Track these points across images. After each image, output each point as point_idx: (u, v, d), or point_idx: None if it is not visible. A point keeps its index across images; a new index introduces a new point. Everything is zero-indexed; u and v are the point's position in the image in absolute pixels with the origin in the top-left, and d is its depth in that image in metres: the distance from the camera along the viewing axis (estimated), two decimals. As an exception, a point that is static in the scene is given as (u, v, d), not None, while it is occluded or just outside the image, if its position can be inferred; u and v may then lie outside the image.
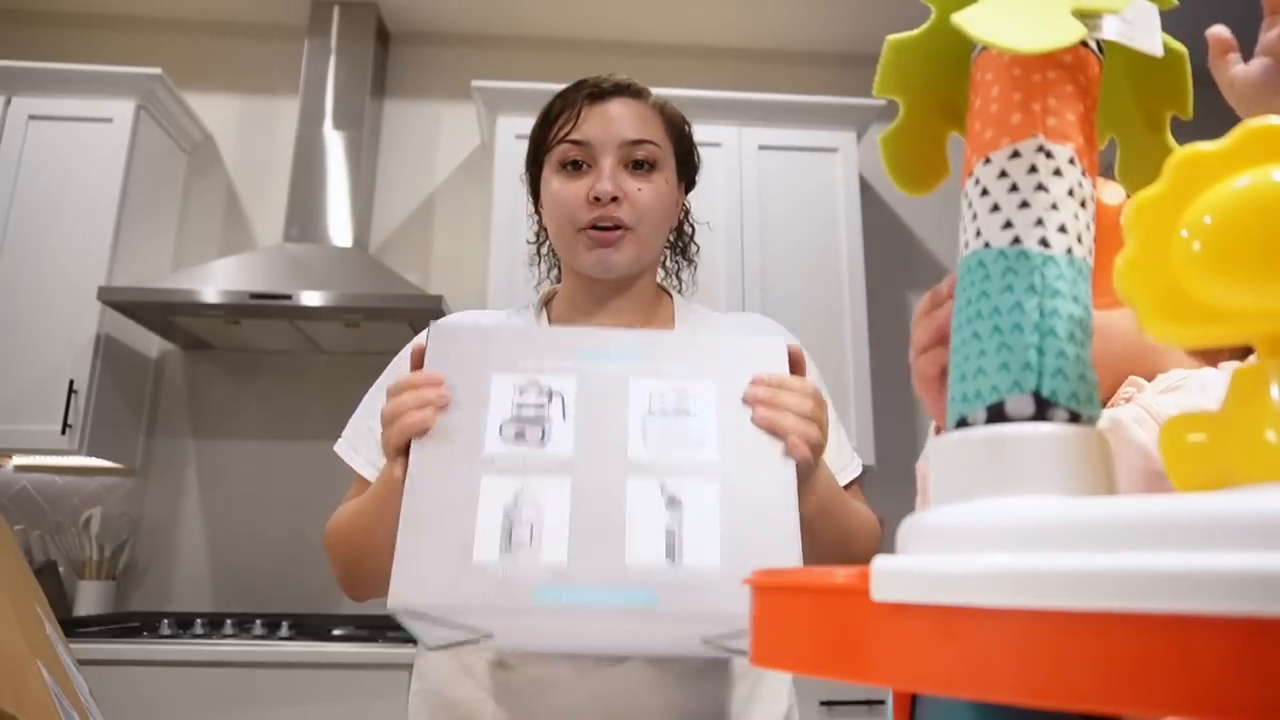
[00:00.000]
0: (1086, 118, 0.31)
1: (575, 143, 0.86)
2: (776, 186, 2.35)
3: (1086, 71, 0.31)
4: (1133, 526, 0.20)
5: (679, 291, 0.97)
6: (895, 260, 2.69)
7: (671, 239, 0.97)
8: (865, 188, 2.61)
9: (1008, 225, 0.29)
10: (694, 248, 1.00)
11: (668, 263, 0.97)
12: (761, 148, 2.36)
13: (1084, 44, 0.30)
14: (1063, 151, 0.30)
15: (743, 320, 0.98)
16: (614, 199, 0.83)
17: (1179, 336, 0.24)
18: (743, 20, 2.68)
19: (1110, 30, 0.31)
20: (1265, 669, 0.16)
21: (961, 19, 0.29)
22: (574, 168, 0.86)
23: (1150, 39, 0.32)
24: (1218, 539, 0.18)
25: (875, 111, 2.43)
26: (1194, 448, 0.25)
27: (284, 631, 1.89)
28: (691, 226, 0.99)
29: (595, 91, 0.88)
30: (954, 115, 0.36)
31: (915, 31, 0.36)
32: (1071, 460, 0.26)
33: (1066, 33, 0.28)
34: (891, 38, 0.36)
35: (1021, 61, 0.30)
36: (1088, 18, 0.30)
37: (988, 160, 0.30)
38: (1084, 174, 0.30)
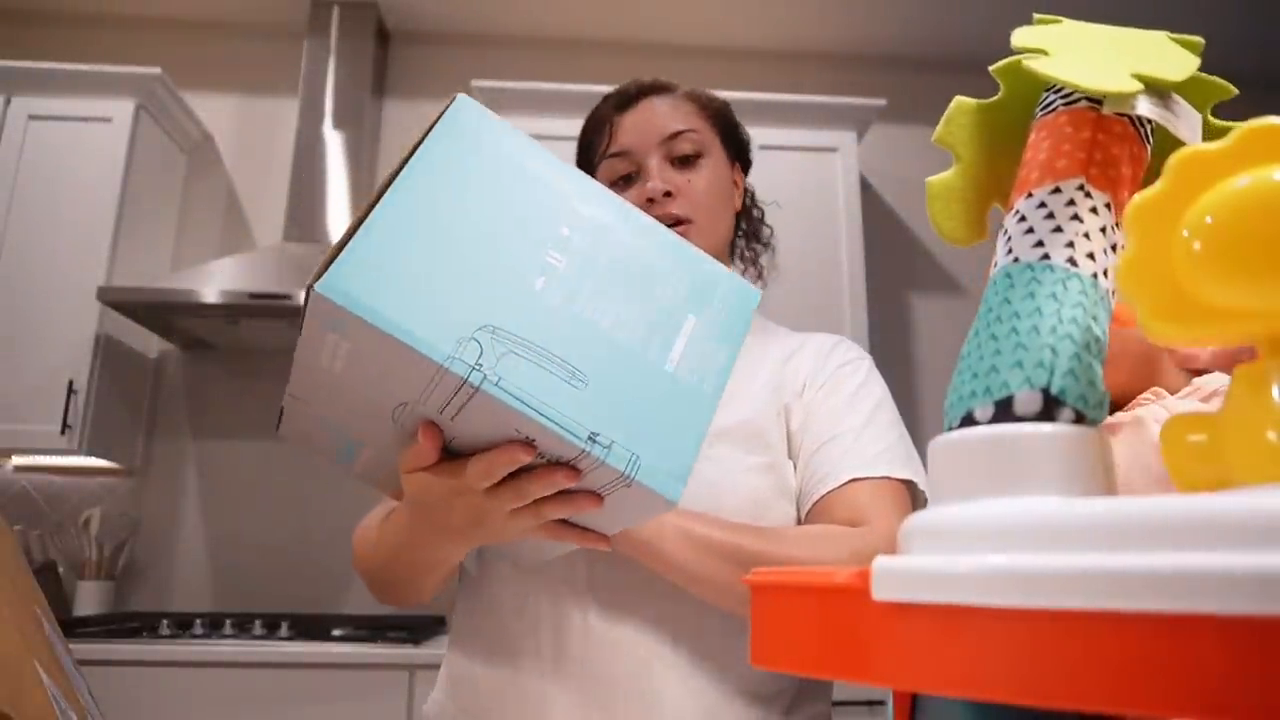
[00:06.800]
0: (1127, 181, 0.32)
1: (617, 155, 0.85)
2: (776, 186, 2.35)
3: (1133, 146, 0.33)
4: (1133, 526, 0.20)
5: (760, 277, 0.95)
6: (895, 260, 2.69)
7: (744, 227, 0.94)
8: (865, 188, 2.61)
9: (1039, 244, 0.31)
10: (766, 230, 0.96)
11: (744, 252, 0.94)
12: (762, 148, 2.34)
13: (1134, 127, 0.33)
14: (1101, 196, 0.31)
15: (818, 338, 0.90)
16: (667, 194, 0.82)
17: (1179, 336, 0.24)
18: (743, 20, 2.68)
19: (1159, 111, 0.33)
20: (1265, 669, 0.16)
21: (1026, 61, 0.33)
22: (625, 181, 0.85)
23: (1191, 132, 0.34)
24: (1218, 539, 0.18)
25: (875, 111, 2.43)
26: (1194, 448, 0.25)
27: (283, 631, 1.89)
28: (759, 209, 0.97)
29: (623, 99, 0.87)
30: (1002, 187, 0.39)
31: (984, 100, 0.39)
32: (1073, 460, 0.26)
33: (1124, 82, 0.31)
34: (960, 99, 0.39)
35: (1074, 120, 0.33)
36: (1146, 86, 0.32)
37: (1029, 195, 0.32)
38: (1116, 226, 0.31)
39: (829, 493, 0.75)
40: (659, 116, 0.85)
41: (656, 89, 0.88)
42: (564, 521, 0.59)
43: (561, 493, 0.54)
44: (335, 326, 0.48)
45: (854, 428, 0.78)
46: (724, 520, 0.71)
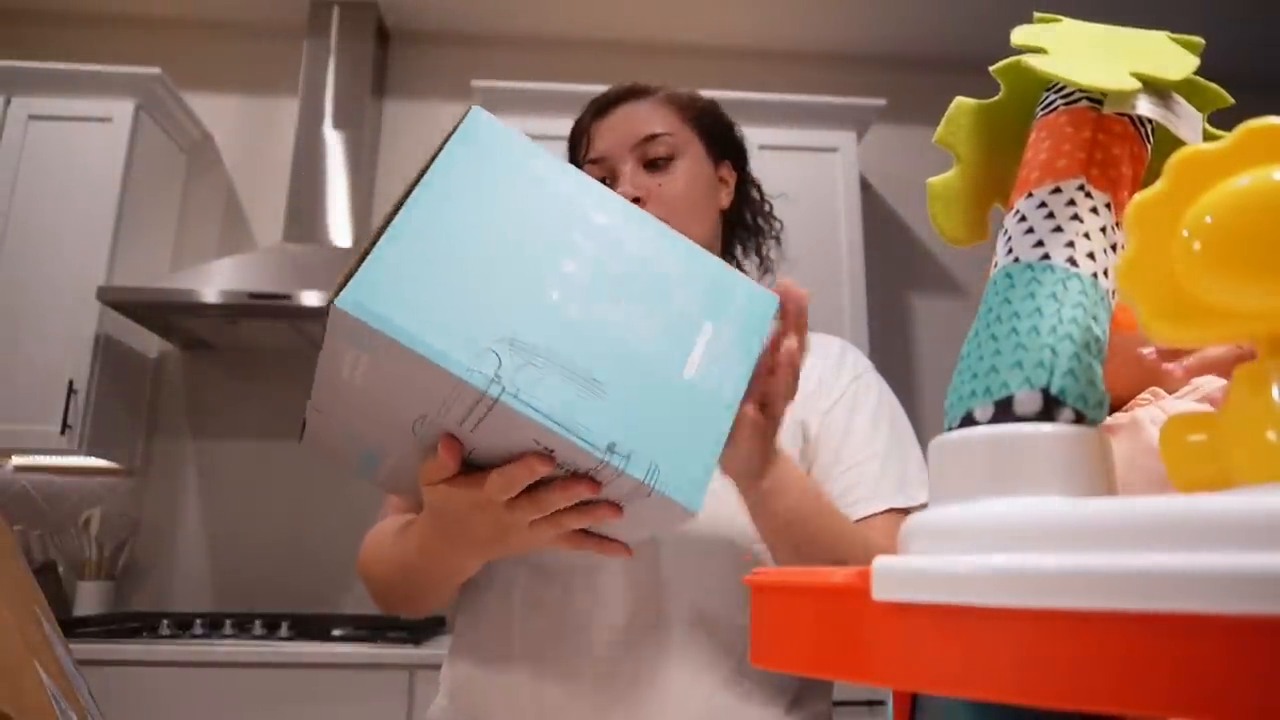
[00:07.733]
0: (1128, 181, 0.32)
1: (593, 162, 0.85)
2: (777, 186, 2.35)
3: (1133, 146, 0.33)
4: (1133, 526, 0.20)
5: (762, 267, 0.95)
6: (895, 260, 2.69)
7: (747, 220, 0.94)
8: (865, 188, 2.61)
9: (1039, 244, 0.31)
10: (776, 224, 0.96)
11: (744, 246, 0.94)
12: (761, 148, 2.35)
13: (1135, 127, 0.33)
14: (1101, 196, 0.31)
15: (821, 339, 0.90)
16: (636, 199, 0.81)
17: (1179, 336, 0.24)
18: (743, 20, 2.68)
19: (1159, 111, 0.33)
20: (1265, 669, 0.16)
21: (1026, 58, 0.33)
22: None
23: (1192, 132, 0.34)
24: (1218, 539, 0.18)
25: (875, 111, 2.43)
26: (1194, 448, 0.25)
27: (283, 631, 1.89)
28: (768, 202, 0.96)
29: (599, 106, 0.88)
30: (1002, 188, 0.39)
31: (984, 100, 0.39)
32: (1073, 460, 0.26)
33: (1123, 80, 0.32)
34: (960, 99, 0.39)
35: (1075, 120, 0.33)
36: (1145, 85, 0.32)
37: (1030, 195, 0.32)
38: (1117, 226, 0.31)
39: (854, 521, 0.76)
40: (633, 121, 0.85)
41: (634, 94, 0.88)
42: (584, 531, 0.59)
43: (582, 503, 0.54)
44: (354, 340, 0.48)
45: (876, 454, 0.80)
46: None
